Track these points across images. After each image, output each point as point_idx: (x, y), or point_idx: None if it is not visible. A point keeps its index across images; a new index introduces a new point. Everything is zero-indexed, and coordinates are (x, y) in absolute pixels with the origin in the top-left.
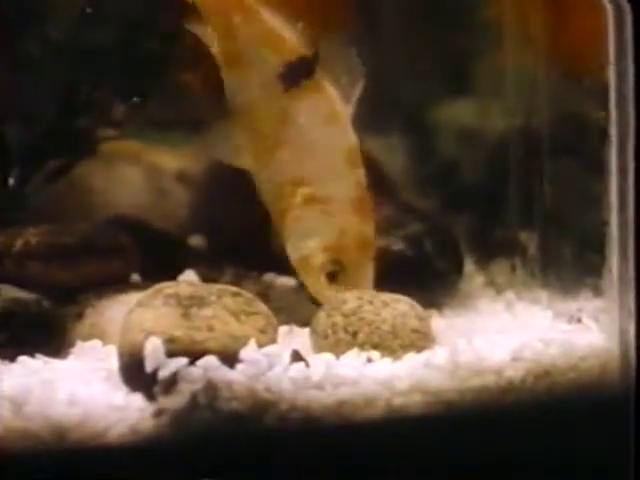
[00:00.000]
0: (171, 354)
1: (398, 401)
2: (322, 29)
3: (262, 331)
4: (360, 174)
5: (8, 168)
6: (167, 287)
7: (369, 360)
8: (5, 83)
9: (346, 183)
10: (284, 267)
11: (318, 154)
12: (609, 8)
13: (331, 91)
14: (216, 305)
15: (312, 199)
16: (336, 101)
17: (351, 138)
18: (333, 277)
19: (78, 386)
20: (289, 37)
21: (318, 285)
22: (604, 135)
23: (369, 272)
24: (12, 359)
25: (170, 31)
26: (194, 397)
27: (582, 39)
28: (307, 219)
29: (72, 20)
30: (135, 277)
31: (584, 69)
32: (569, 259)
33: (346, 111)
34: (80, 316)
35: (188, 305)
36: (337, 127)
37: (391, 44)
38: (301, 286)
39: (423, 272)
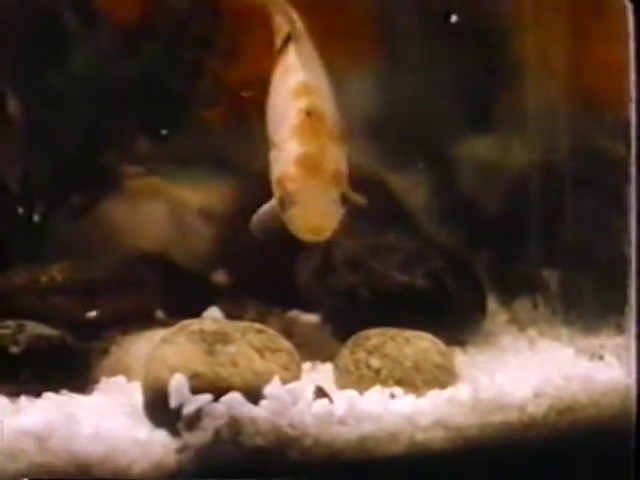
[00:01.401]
0: (195, 390)
1: (421, 437)
2: (346, 65)
3: (286, 368)
4: (302, 102)
5: (32, 204)
6: (191, 324)
7: (392, 396)
8: (29, 118)
9: (288, 116)
10: (308, 304)
11: (277, 103)
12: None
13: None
14: (240, 342)
15: (273, 146)
16: (292, 52)
17: (298, 76)
18: (283, 205)
19: (102, 421)
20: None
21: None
22: (626, 170)
23: (320, 191)
24: (37, 395)
25: (193, 67)
26: (218, 433)
27: (604, 74)
28: (272, 167)
29: (96, 55)
30: (159, 313)
31: (605, 104)
32: (591, 296)
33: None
34: (105, 352)
35: (212, 342)
36: (290, 74)
37: (413, 80)
38: (324, 322)
39: (446, 309)
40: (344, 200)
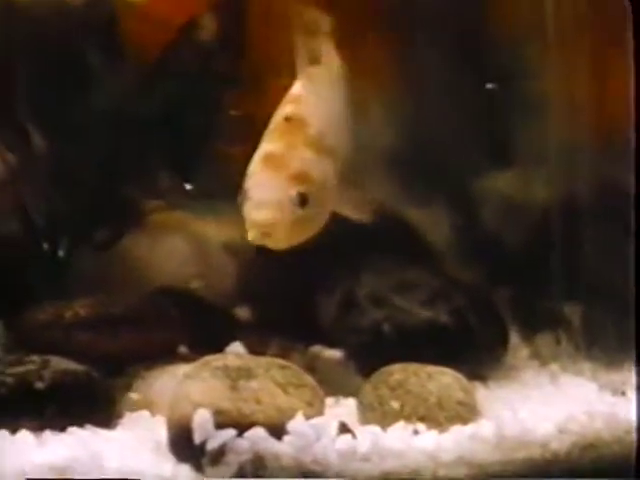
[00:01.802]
0: (219, 426)
1: (443, 473)
2: (367, 100)
3: (309, 403)
4: (286, 109)
5: (57, 239)
6: (215, 359)
7: (415, 432)
8: (54, 153)
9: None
10: (331, 339)
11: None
12: None
13: None
14: (263, 377)
15: None
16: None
17: (293, 89)
18: (241, 205)
19: (127, 457)
20: None
21: None
22: None
23: (274, 187)
24: (62, 429)
25: (216, 103)
26: (242, 468)
27: (624, 108)
28: None
29: (121, 90)
30: (182, 348)
31: (625, 138)
32: (612, 331)
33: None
34: (128, 387)
35: (236, 377)
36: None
37: (435, 116)
38: (347, 358)
39: (468, 345)
40: (304, 201)
